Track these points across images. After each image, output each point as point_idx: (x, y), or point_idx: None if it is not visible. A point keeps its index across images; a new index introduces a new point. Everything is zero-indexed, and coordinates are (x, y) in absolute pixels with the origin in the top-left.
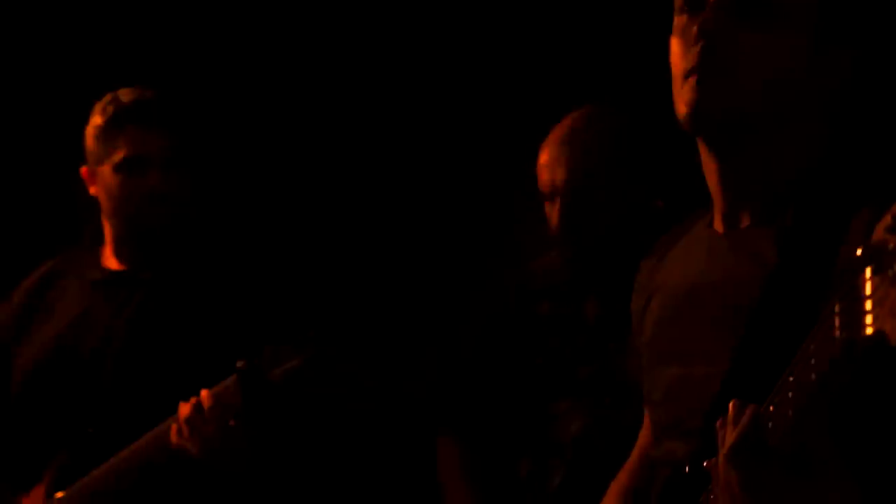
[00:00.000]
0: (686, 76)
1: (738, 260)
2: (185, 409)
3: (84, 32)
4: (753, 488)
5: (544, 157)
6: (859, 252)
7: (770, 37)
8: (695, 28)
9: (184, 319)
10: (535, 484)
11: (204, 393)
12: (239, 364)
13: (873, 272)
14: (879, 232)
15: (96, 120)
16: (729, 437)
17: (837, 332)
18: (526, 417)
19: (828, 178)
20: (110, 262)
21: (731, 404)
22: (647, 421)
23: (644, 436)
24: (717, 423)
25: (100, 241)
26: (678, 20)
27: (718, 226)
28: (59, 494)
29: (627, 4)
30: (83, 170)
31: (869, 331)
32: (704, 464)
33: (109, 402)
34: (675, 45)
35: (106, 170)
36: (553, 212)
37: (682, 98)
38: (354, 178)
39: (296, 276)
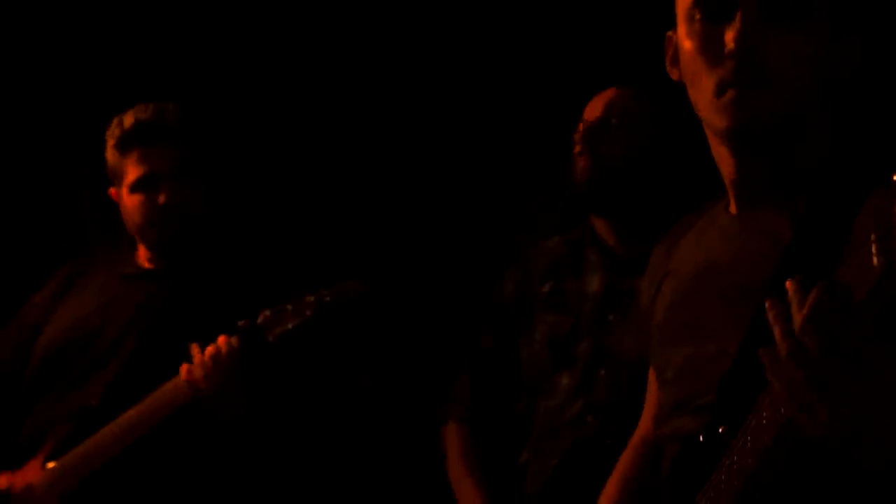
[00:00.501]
0: (722, 89)
1: (751, 239)
2: (195, 349)
3: (93, 42)
4: (841, 353)
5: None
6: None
7: (798, 40)
8: (727, 39)
9: (209, 312)
10: (532, 469)
11: (209, 348)
12: (240, 323)
13: None
14: None
15: (109, 145)
16: (796, 311)
17: (875, 260)
18: (526, 405)
19: (841, 162)
20: (143, 262)
21: (788, 283)
22: (648, 404)
23: (646, 418)
24: (767, 304)
25: (134, 247)
26: (697, 27)
27: (733, 208)
28: (52, 464)
29: (620, 7)
30: (111, 191)
31: None
32: (759, 350)
33: (125, 378)
34: (697, 54)
35: (124, 192)
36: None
37: (723, 111)
38: (359, 175)
39: (303, 271)
